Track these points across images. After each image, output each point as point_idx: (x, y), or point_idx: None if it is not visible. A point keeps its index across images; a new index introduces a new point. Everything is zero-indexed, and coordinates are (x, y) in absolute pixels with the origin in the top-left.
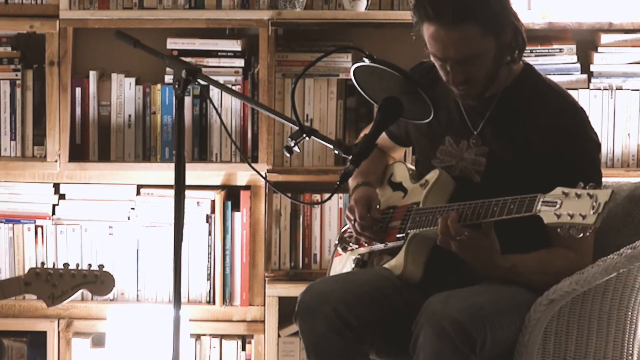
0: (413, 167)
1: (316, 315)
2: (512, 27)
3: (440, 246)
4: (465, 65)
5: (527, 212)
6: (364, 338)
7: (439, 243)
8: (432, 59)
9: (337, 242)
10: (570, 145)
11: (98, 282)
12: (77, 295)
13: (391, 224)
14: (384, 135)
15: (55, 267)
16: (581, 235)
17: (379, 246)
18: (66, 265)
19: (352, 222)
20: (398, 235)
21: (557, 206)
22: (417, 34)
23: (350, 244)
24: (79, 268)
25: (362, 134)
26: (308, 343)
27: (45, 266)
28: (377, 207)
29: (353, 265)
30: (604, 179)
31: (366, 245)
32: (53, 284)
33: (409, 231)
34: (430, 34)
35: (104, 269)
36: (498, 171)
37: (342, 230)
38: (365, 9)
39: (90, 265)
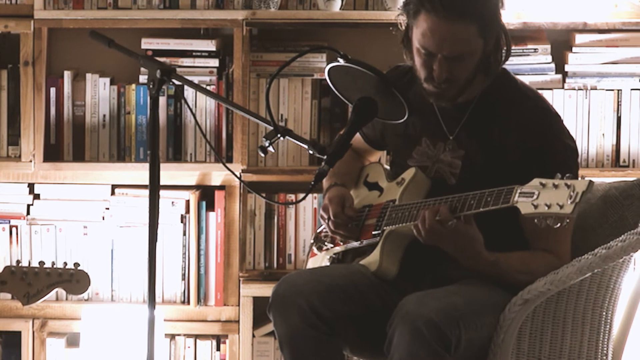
0: (388, 167)
1: (290, 307)
2: (500, 36)
3: (416, 245)
4: (453, 63)
5: (505, 204)
6: (337, 331)
7: (424, 235)
8: (416, 54)
9: (312, 241)
10: (544, 150)
11: (73, 280)
12: (52, 294)
13: (367, 222)
14: (359, 138)
15: (31, 265)
16: (558, 225)
17: (355, 244)
18: (41, 263)
19: (327, 220)
20: (374, 233)
21: (535, 197)
22: (405, 28)
23: (326, 244)
24: (55, 266)
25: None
26: (281, 335)
27: (20, 264)
28: (351, 205)
29: (328, 265)
30: None
31: (342, 244)
32: (28, 282)
33: (384, 228)
34: (428, 25)
35: (79, 268)
36: (473, 174)
37: (318, 230)
38: (340, 9)
39: (65, 263)
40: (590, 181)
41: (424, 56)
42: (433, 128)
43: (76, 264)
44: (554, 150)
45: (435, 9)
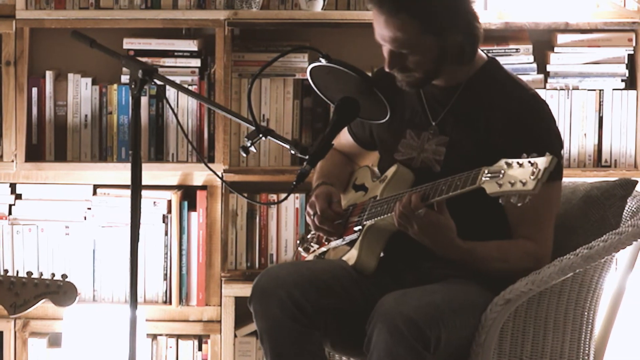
0: (377, 169)
1: (270, 299)
2: (461, 29)
3: (399, 243)
4: (400, 56)
5: (472, 185)
6: (317, 325)
7: (396, 224)
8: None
9: (298, 242)
10: (530, 137)
11: (61, 292)
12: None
13: (350, 220)
14: (350, 141)
15: (19, 275)
16: (521, 203)
17: (338, 242)
18: (29, 273)
19: (312, 216)
20: (355, 228)
21: (500, 176)
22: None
23: (312, 244)
24: (42, 277)
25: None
26: (261, 327)
27: (8, 274)
28: (338, 202)
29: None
30: None
31: (326, 243)
32: (15, 292)
33: (365, 222)
34: (374, 17)
35: (67, 279)
36: (457, 160)
37: (305, 233)
38: (322, 9)
39: (53, 274)
40: (554, 157)
41: (382, 47)
42: (417, 118)
43: (64, 276)
44: (539, 139)
45: (374, 3)
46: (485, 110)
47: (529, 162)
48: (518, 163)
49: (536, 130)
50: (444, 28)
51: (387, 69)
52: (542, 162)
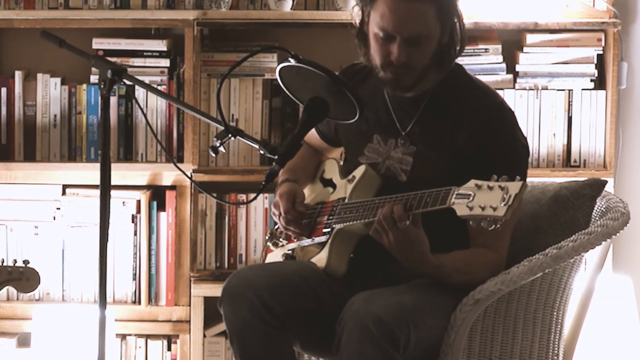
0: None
1: (240, 301)
2: (455, 28)
3: (368, 245)
4: (411, 46)
5: (442, 205)
6: (287, 326)
7: (371, 234)
8: (373, 41)
9: (267, 237)
10: (496, 146)
11: (23, 278)
12: (3, 293)
13: (319, 219)
14: (316, 136)
15: None
16: (492, 227)
17: (307, 241)
18: None
19: (278, 216)
20: (324, 230)
21: (470, 198)
22: (360, 22)
23: (281, 240)
24: (4, 264)
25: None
26: (231, 328)
27: None
28: (302, 201)
29: (281, 261)
30: (530, 180)
31: (295, 240)
32: None
33: (334, 226)
34: (387, 6)
35: (28, 265)
36: (424, 171)
37: (275, 227)
38: (291, 9)
39: (15, 261)
40: (524, 183)
41: (382, 40)
42: (385, 124)
43: (25, 262)
44: (507, 147)
45: None
46: (450, 121)
47: (500, 186)
48: (488, 186)
49: (502, 140)
50: (449, 16)
51: (396, 63)
52: (512, 187)
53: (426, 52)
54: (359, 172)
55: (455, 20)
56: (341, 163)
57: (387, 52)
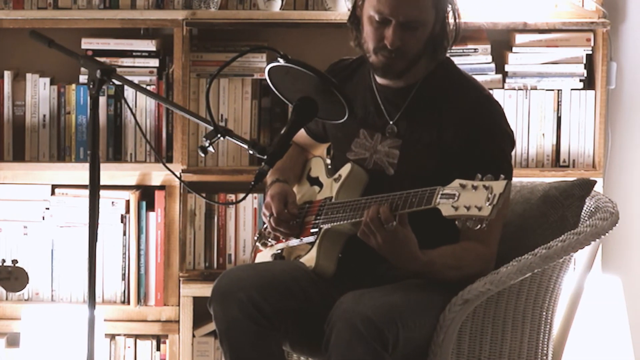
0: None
1: (230, 300)
2: (448, 19)
3: (356, 245)
4: (406, 31)
5: (427, 205)
6: (277, 326)
7: (359, 235)
8: (367, 24)
9: (256, 238)
10: (483, 138)
11: (12, 278)
12: None
13: (306, 219)
14: (303, 133)
15: None
16: (478, 227)
17: (295, 241)
18: None
19: (268, 217)
20: (312, 230)
21: (455, 198)
22: (353, 6)
23: (269, 240)
24: None
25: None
26: (221, 328)
27: None
28: (294, 202)
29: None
30: (519, 179)
31: (283, 240)
32: None
33: (322, 226)
34: None
35: (17, 265)
36: (411, 163)
37: (263, 227)
38: (280, 9)
39: (3, 260)
40: (508, 182)
41: (377, 24)
42: (372, 117)
43: (14, 261)
44: (494, 139)
45: None
46: (437, 113)
47: (484, 186)
48: (473, 186)
49: (489, 132)
50: (444, 5)
51: (391, 47)
52: (496, 187)
53: (420, 38)
54: (344, 170)
55: (450, 10)
56: (327, 161)
57: (380, 36)
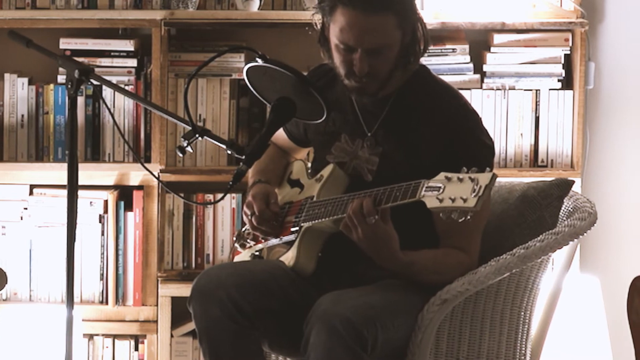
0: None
1: (209, 299)
2: (416, 29)
3: (337, 244)
4: (373, 56)
5: (412, 198)
6: (256, 325)
7: (341, 228)
8: (335, 51)
9: (235, 239)
10: (460, 146)
11: None
12: None
13: (287, 219)
14: (284, 136)
15: None
16: (463, 219)
17: (275, 241)
18: None
19: (250, 216)
20: (292, 229)
21: (440, 191)
22: (321, 27)
23: (248, 241)
24: None
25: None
26: (200, 327)
27: None
28: (276, 202)
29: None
30: (497, 179)
31: (262, 241)
32: None
33: (302, 224)
34: (346, 20)
35: None
36: (390, 171)
37: (243, 229)
38: (258, 9)
39: None
40: (494, 174)
41: (344, 52)
42: (352, 125)
43: None
44: (469, 148)
45: (352, 3)
46: (415, 122)
47: (470, 178)
48: (458, 178)
49: (466, 139)
50: (409, 24)
51: (359, 74)
52: (482, 178)
53: (389, 59)
54: (326, 170)
55: (416, 18)
56: (309, 164)
57: (349, 62)
